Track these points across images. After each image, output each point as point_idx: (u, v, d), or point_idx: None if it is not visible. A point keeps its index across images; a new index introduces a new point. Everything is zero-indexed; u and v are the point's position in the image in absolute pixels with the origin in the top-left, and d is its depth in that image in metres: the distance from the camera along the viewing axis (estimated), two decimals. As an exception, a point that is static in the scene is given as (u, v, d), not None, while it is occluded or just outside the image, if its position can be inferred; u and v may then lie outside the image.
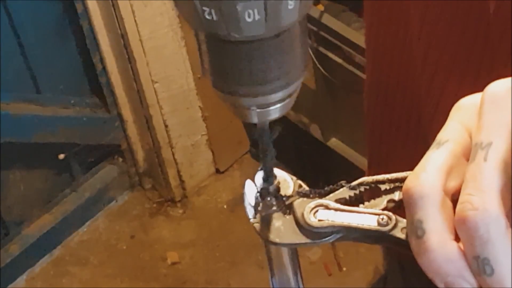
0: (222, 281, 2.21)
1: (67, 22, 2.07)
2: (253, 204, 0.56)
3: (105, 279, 2.24)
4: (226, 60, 0.47)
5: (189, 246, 2.28)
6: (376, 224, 0.53)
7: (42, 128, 2.12)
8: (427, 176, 0.48)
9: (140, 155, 2.35)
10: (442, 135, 0.50)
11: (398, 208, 0.53)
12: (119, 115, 2.24)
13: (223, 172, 2.44)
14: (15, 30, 1.98)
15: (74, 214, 2.30)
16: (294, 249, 0.59)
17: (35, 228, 2.26)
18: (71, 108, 2.18)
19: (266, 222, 0.56)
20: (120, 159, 2.37)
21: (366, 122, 0.96)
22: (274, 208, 0.56)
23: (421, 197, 0.48)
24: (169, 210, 2.38)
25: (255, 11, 0.43)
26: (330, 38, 1.91)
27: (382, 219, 0.53)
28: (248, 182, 0.57)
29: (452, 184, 0.49)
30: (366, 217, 0.53)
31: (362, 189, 0.55)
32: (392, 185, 0.54)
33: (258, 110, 0.50)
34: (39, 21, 2.02)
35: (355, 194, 0.55)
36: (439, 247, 0.47)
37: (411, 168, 0.51)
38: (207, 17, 0.44)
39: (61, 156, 2.20)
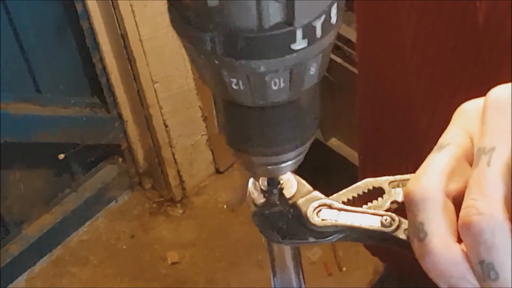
0: (222, 281, 2.21)
1: (67, 22, 2.07)
2: (256, 202, 0.56)
3: (105, 279, 2.24)
4: (242, 123, 0.48)
5: (189, 246, 2.28)
6: (379, 224, 0.53)
7: (42, 128, 2.12)
8: (428, 179, 0.48)
9: (140, 155, 2.35)
10: (443, 139, 0.50)
11: (401, 210, 0.53)
12: (119, 115, 2.24)
13: (223, 172, 2.43)
14: (15, 30, 1.98)
15: (74, 214, 2.30)
16: (296, 249, 0.59)
17: (35, 228, 2.26)
18: (71, 108, 2.18)
19: (269, 221, 0.56)
20: (120, 159, 2.37)
21: (359, 135, 0.95)
22: (278, 207, 0.56)
23: (422, 200, 0.48)
24: (169, 210, 2.38)
25: (281, 79, 0.44)
26: (330, 38, 1.91)
27: (386, 220, 0.53)
28: (252, 180, 0.57)
29: (454, 187, 0.49)
30: (369, 218, 0.53)
31: (365, 190, 0.55)
32: (395, 187, 0.54)
33: (269, 167, 0.51)
34: (39, 21, 2.02)
35: (358, 194, 0.55)
36: (442, 250, 0.47)
37: None
38: (234, 87, 0.45)
39: (61, 156, 2.20)
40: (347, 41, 1.87)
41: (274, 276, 0.61)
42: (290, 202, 0.56)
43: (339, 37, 1.89)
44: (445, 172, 0.49)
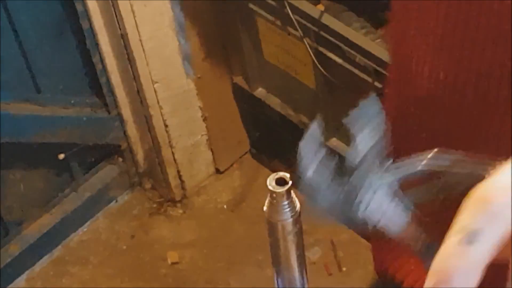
0: (222, 281, 2.21)
1: (67, 22, 2.07)
2: (306, 172, 0.53)
3: (105, 279, 2.24)
4: None
5: (189, 246, 2.28)
6: None
7: (42, 128, 2.12)
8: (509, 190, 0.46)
9: (140, 155, 2.35)
10: None
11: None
12: (119, 115, 2.24)
13: (223, 172, 2.43)
14: (15, 30, 1.98)
15: (74, 214, 2.30)
16: (301, 249, 0.59)
17: (35, 228, 2.26)
18: (71, 108, 2.18)
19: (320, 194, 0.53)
20: (120, 159, 2.37)
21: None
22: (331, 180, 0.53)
23: (501, 208, 0.46)
24: (169, 210, 2.38)
25: None
26: (330, 38, 1.91)
27: None
28: (303, 143, 0.54)
29: None
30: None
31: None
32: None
33: None
34: (39, 21, 2.02)
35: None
36: (474, 261, 0.46)
37: None
38: None
39: (61, 156, 2.20)
40: (348, 42, 1.87)
41: (277, 275, 0.62)
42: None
43: (339, 37, 1.89)
44: None
